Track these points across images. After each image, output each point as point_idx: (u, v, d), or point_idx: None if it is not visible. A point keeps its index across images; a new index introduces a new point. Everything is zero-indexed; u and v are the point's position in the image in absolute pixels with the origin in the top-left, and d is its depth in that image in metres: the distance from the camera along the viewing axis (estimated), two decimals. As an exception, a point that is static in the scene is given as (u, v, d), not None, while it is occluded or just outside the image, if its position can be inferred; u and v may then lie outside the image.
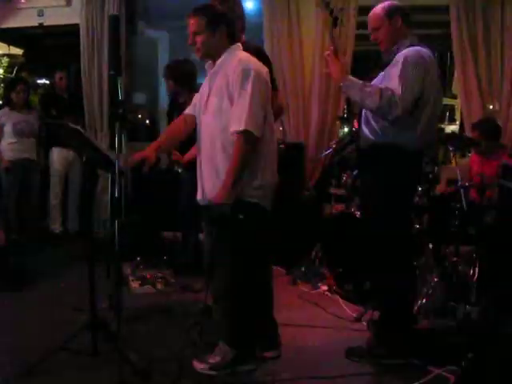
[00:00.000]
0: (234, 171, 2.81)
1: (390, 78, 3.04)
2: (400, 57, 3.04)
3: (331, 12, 3.13)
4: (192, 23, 2.96)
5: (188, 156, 4.32)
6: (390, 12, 3.19)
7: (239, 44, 3.04)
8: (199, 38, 2.95)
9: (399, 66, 3.00)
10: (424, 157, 3.33)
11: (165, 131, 3.64)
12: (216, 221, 2.92)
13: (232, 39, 3.01)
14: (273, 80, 3.68)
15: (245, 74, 2.82)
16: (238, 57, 2.94)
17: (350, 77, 3.13)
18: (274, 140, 3.06)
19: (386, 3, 3.24)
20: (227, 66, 2.92)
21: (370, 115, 3.18)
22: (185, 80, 4.59)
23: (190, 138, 4.30)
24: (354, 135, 3.44)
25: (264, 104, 2.86)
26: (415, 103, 2.99)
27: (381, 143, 3.14)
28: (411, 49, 3.06)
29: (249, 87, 2.80)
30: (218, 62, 2.98)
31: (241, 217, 2.82)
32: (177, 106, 4.76)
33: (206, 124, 3.01)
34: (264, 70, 2.95)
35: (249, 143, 2.81)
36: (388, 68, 3.11)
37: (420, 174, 3.45)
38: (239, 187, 2.86)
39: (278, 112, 3.96)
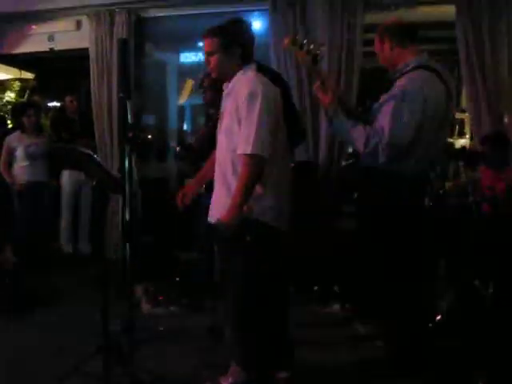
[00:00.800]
0: (241, 192, 2.81)
1: (384, 113, 2.95)
2: (398, 86, 2.96)
3: (308, 51, 3.07)
4: (206, 44, 3.00)
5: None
6: (380, 34, 3.15)
7: (253, 65, 3.03)
8: (213, 59, 2.99)
9: (395, 100, 2.92)
10: (424, 178, 3.22)
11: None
12: (223, 241, 2.92)
13: (247, 60, 3.01)
14: (292, 105, 3.69)
15: (252, 96, 2.82)
16: (247, 78, 2.94)
17: (340, 117, 3.07)
18: (285, 160, 3.05)
19: (381, 24, 3.20)
20: (238, 88, 2.93)
21: None
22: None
23: (208, 148, 4.32)
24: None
25: (272, 125, 2.85)
26: (408, 143, 2.93)
27: (373, 167, 3.09)
28: (411, 77, 2.98)
29: (256, 110, 2.79)
30: (231, 83, 3.00)
31: (248, 238, 2.81)
32: (207, 117, 4.75)
33: (221, 143, 3.02)
34: (274, 91, 2.94)
35: (256, 165, 2.81)
36: (388, 95, 3.04)
37: (419, 196, 3.26)
38: (250, 207, 2.87)
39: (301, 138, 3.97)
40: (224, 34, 2.98)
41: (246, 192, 2.82)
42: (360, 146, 2.96)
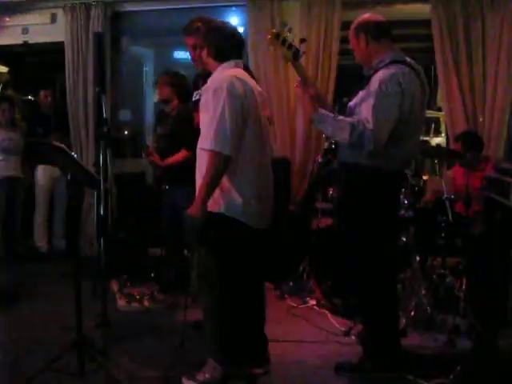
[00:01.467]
0: (205, 188, 2.83)
1: (365, 106, 2.97)
2: (375, 81, 2.96)
3: (289, 47, 3.08)
4: None
5: (169, 160, 4.33)
6: (355, 30, 3.16)
7: (232, 62, 3.03)
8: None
9: (374, 94, 2.93)
10: (400, 174, 3.24)
11: None
12: (188, 235, 2.94)
13: (220, 56, 3.02)
14: None
15: (216, 93, 2.84)
16: (219, 75, 2.97)
17: (321, 110, 3.08)
18: (258, 156, 3.03)
19: (356, 20, 3.20)
20: (210, 84, 2.96)
21: None
22: (182, 89, 4.52)
23: (174, 146, 4.34)
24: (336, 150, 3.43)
25: (237, 122, 2.84)
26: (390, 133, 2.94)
27: (352, 163, 3.11)
28: (388, 71, 2.97)
29: (219, 107, 2.80)
30: (209, 79, 3.03)
31: (212, 232, 2.84)
32: (163, 116, 4.75)
33: (199, 139, 3.03)
34: (245, 89, 2.92)
35: (217, 162, 2.81)
36: (365, 91, 3.04)
37: (396, 192, 3.33)
38: (217, 202, 2.90)
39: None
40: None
41: (209, 187, 2.83)
42: (345, 137, 2.95)
